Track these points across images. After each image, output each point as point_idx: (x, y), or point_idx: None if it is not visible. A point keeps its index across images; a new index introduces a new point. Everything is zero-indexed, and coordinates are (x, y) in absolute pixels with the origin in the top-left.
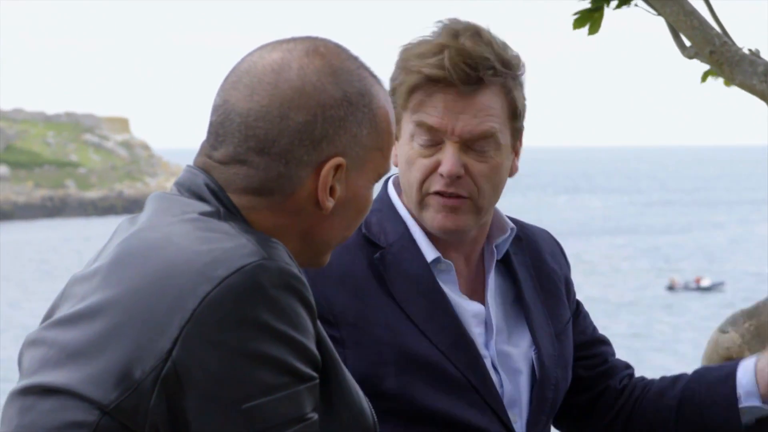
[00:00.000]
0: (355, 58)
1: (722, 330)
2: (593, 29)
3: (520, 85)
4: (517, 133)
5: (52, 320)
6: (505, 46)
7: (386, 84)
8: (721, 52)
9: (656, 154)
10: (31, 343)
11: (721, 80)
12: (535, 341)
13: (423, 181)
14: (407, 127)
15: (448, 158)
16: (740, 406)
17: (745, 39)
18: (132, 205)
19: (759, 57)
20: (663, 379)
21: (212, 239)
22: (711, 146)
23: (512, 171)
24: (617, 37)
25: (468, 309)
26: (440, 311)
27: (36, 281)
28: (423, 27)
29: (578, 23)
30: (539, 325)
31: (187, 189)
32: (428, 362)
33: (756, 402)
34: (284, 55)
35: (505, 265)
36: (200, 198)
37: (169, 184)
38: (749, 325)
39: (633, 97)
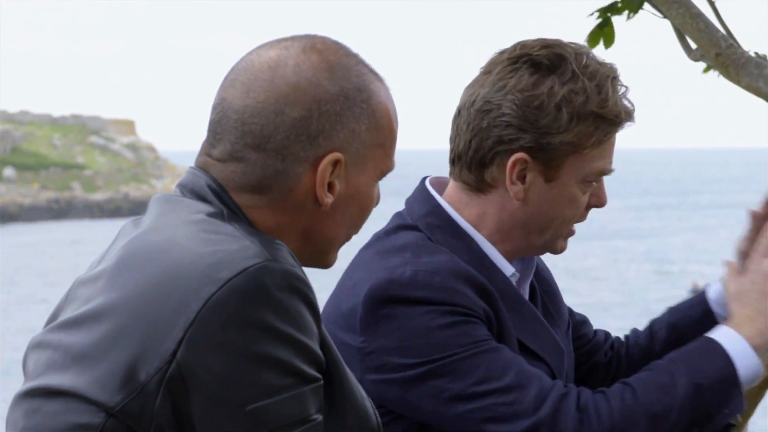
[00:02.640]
0: (354, 55)
1: None
2: (608, 43)
3: None
4: None
5: (56, 323)
6: None
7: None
8: (727, 55)
9: (657, 156)
10: (35, 345)
11: (722, 78)
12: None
13: (576, 218)
14: (583, 169)
15: (605, 192)
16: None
17: (750, 42)
18: (138, 208)
19: (765, 59)
20: (638, 335)
21: (216, 241)
22: (715, 149)
23: None
24: (622, 40)
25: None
26: (533, 321)
27: (40, 283)
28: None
29: (592, 42)
30: (556, 326)
31: (189, 190)
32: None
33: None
34: (281, 52)
35: None
36: (203, 199)
37: None
38: None
39: (637, 99)
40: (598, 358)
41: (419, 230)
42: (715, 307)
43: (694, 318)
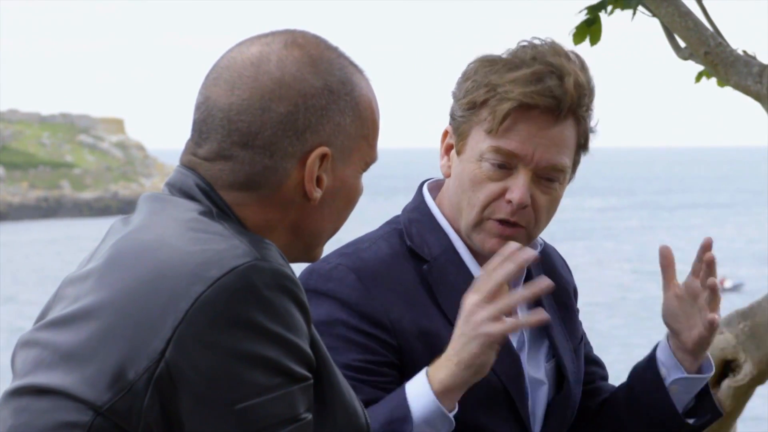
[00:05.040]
0: (335, 49)
1: (717, 331)
2: (594, 40)
3: (591, 116)
4: (577, 164)
5: (45, 321)
6: (589, 74)
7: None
8: (716, 53)
9: (648, 155)
10: (24, 344)
11: (714, 81)
12: (557, 357)
13: (486, 205)
14: (479, 146)
15: (520, 187)
16: (667, 384)
17: (738, 40)
18: (127, 206)
19: (753, 58)
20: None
21: (205, 240)
22: (704, 147)
23: None
24: (611, 38)
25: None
26: None
27: (29, 283)
28: (506, 45)
29: (578, 38)
30: (560, 341)
31: (178, 189)
32: None
33: (680, 374)
34: (263, 48)
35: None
36: (192, 198)
37: None
38: (744, 326)
39: (626, 98)
40: (591, 403)
41: (400, 224)
42: (658, 353)
43: (641, 364)
